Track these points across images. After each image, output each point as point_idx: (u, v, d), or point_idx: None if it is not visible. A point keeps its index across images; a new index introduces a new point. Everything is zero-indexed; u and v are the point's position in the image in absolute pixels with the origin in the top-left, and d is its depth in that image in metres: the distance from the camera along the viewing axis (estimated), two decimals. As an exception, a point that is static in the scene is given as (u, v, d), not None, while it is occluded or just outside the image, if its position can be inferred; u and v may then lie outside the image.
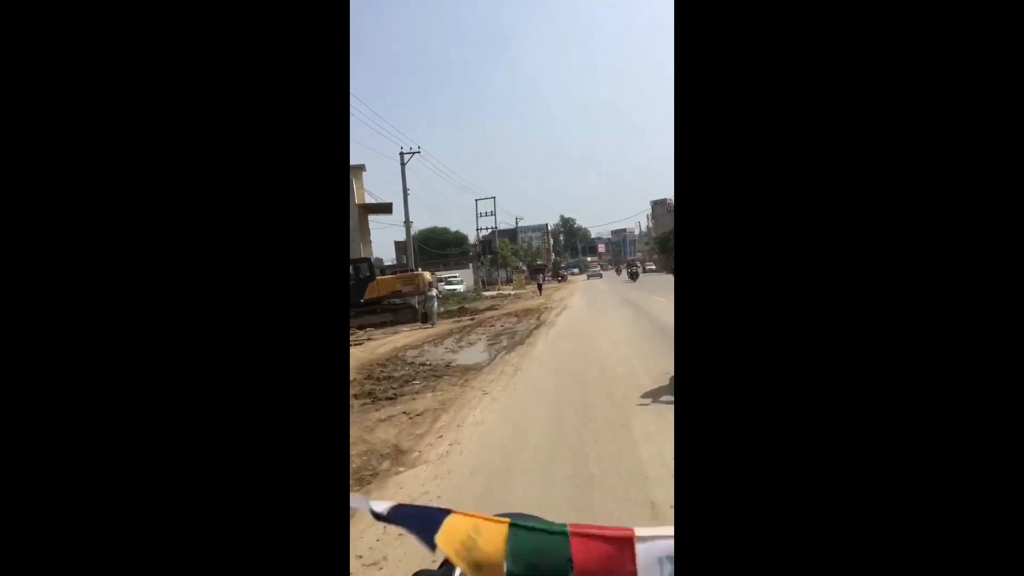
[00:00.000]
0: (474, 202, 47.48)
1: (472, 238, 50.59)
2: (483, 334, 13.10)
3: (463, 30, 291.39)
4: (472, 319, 17.25)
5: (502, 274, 54.65)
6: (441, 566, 0.64)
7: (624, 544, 0.50)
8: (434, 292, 15.33)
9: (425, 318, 15.33)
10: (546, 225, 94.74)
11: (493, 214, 46.85)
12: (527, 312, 18.34)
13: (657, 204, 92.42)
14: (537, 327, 13.02)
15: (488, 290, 41.68)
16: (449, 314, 20.35)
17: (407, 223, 27.12)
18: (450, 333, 13.53)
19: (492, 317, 17.54)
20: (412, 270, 22.43)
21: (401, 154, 26.79)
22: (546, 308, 19.33)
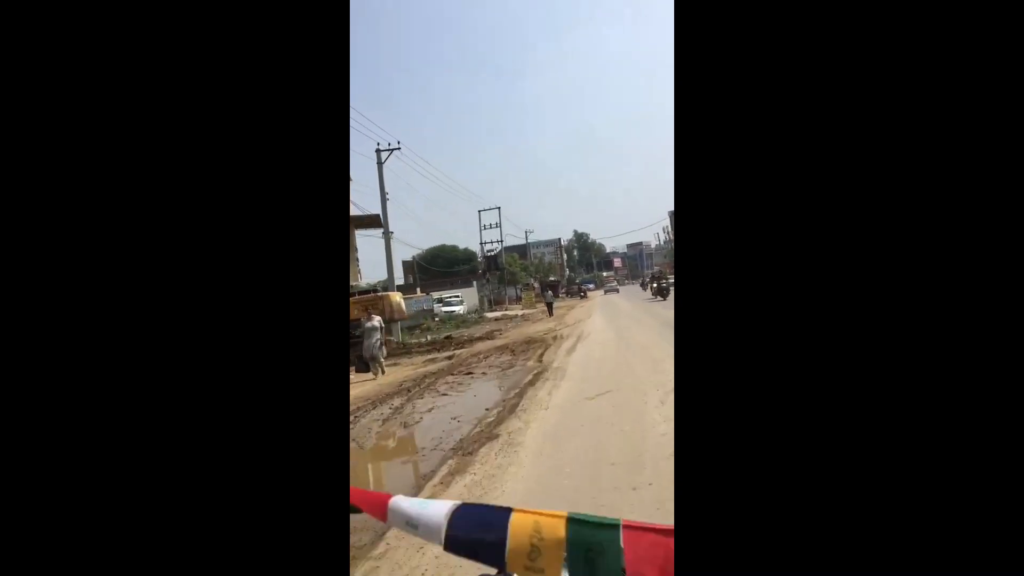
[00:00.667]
0: (478, 214, 42.25)
1: (480, 254, 45.43)
2: (448, 391, 7.92)
3: (470, 40, 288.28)
4: (451, 357, 12.16)
5: (511, 292, 50.04)
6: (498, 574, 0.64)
7: (669, 536, 0.53)
8: (375, 323, 10.04)
9: (365, 365, 10.08)
10: (559, 240, 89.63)
11: (498, 225, 41.80)
12: (529, 343, 13.20)
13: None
14: (536, 378, 7.85)
15: (494, 310, 36.67)
16: (432, 345, 15.30)
17: (386, 234, 22.08)
18: (396, 392, 8.31)
19: (480, 353, 12.43)
20: (375, 291, 17.35)
21: (378, 151, 21.85)
22: (556, 337, 14.13)
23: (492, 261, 41.22)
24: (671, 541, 0.52)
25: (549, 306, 24.53)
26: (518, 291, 51.44)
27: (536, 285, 58.79)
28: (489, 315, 30.02)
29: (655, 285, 26.63)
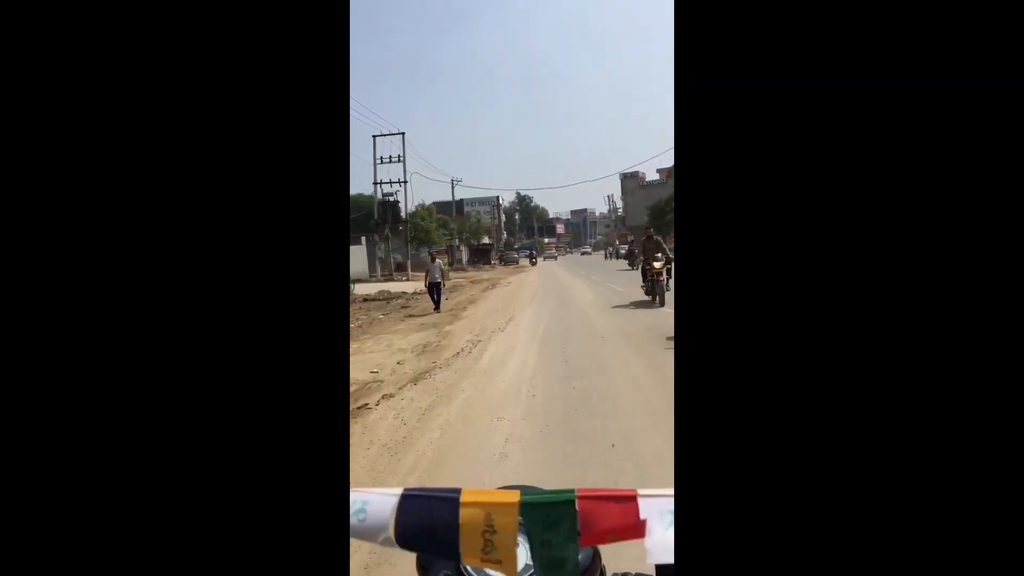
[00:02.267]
0: (372, 140, 29.34)
1: (412, 206, 32.90)
2: None
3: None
4: None
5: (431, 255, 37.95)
6: None
7: (627, 501, 0.54)
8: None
9: None
10: (497, 198, 77.64)
11: (401, 159, 29.25)
12: None
13: (627, 177, 76.52)
14: None
15: (391, 279, 24.87)
16: None
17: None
18: None
19: None
20: None
21: None
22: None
23: (386, 209, 28.85)
24: (624, 505, 0.53)
25: (433, 291, 12.09)
26: (432, 254, 39.84)
27: (463, 249, 46.98)
28: (362, 291, 18.19)
29: (653, 266, 10.00)
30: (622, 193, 79.82)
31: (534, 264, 44.06)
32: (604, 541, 0.54)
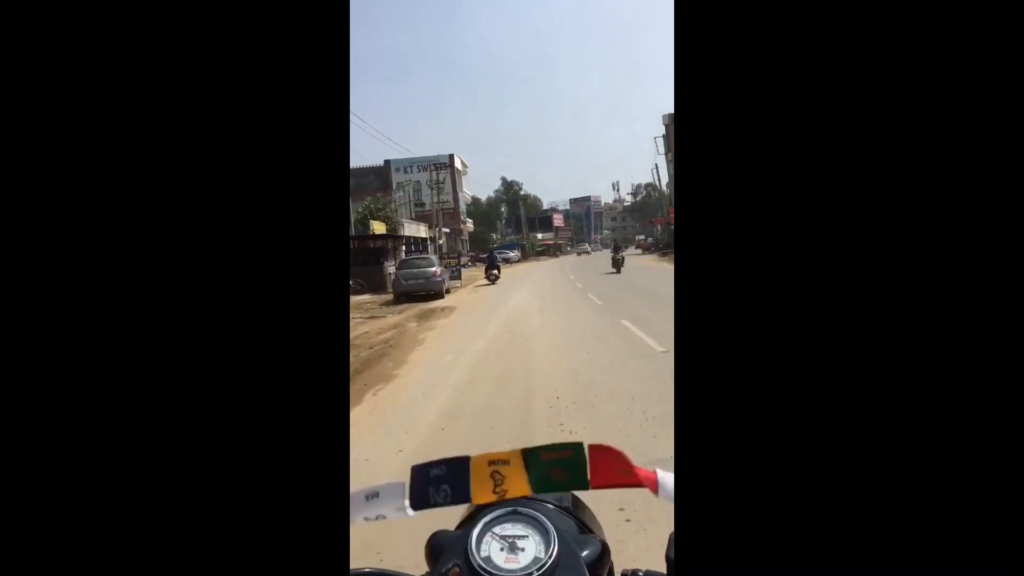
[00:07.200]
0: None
1: None
2: None
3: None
4: None
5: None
6: (459, 527, 0.63)
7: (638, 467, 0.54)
8: None
9: None
10: (450, 157, 42.91)
11: None
12: None
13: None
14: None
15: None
16: None
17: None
18: None
19: None
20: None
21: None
22: None
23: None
24: (627, 456, 0.53)
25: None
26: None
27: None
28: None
29: None
30: (667, 148, 45.86)
31: (492, 280, 18.89)
32: (612, 481, 0.53)
